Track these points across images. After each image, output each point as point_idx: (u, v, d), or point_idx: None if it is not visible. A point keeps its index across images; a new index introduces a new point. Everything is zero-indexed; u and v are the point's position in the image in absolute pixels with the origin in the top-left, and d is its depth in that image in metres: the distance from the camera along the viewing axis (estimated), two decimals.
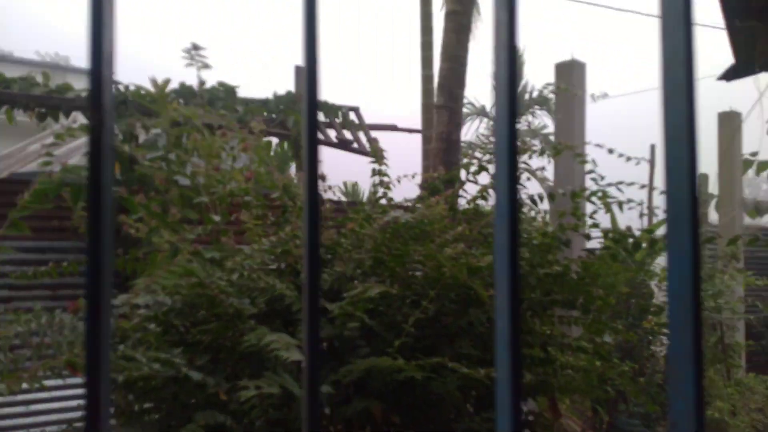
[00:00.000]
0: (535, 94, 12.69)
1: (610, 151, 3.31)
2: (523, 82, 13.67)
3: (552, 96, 4.67)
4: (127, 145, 3.60)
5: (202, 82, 3.77)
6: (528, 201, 3.20)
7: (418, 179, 3.52)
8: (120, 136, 4.17)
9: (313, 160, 0.50)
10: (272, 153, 5.15)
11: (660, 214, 3.74)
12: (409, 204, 2.94)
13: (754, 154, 4.18)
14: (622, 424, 4.06)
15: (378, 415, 1.87)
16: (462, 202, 3.00)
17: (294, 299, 2.01)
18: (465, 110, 12.76)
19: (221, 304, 1.94)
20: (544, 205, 3.25)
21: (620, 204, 2.66)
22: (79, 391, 2.75)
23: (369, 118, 5.95)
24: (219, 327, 1.95)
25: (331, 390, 1.72)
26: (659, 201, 3.98)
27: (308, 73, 0.49)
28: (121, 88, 4.63)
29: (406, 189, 3.28)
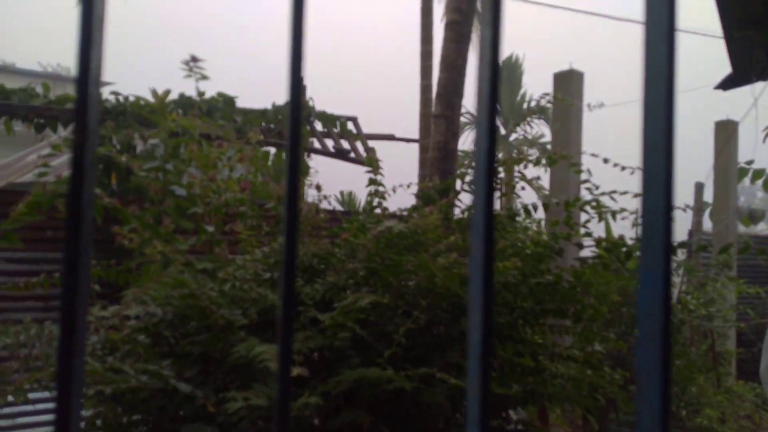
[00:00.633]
0: (533, 103, 12.73)
1: (605, 161, 3.32)
2: (521, 92, 13.72)
3: (550, 105, 4.68)
4: (123, 156, 3.62)
5: (200, 93, 3.80)
6: (522, 210, 3.21)
7: (414, 189, 3.53)
8: (117, 146, 4.19)
9: (295, 170, 0.51)
10: (269, 163, 5.17)
11: None
12: (404, 213, 2.94)
13: (750, 162, 4.19)
14: None
15: (366, 426, 1.86)
16: (457, 212, 3.01)
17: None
18: (463, 120, 12.80)
19: (212, 315, 1.94)
20: (540, 214, 3.26)
21: (613, 213, 2.67)
22: None
23: (367, 128, 5.98)
24: (209, 338, 1.94)
25: (320, 401, 1.72)
26: None
27: (292, 81, 0.50)
28: (120, 98, 4.66)
29: (401, 198, 3.29)
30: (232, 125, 4.96)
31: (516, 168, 3.27)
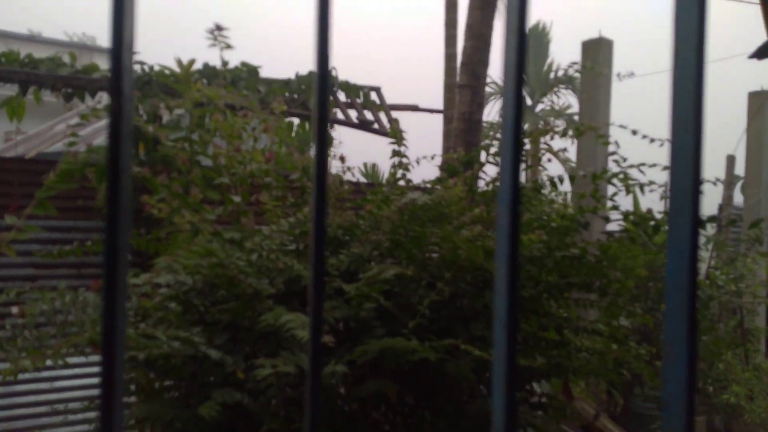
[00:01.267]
0: (560, 73, 12.46)
1: (634, 132, 3.25)
2: (548, 61, 13.42)
3: (577, 75, 4.58)
4: (150, 126, 3.65)
5: (225, 63, 3.79)
6: (548, 182, 3.18)
7: (438, 160, 3.51)
8: (144, 116, 4.23)
9: (323, 139, 0.51)
10: (293, 134, 5.17)
11: None
12: (428, 185, 2.93)
13: None
14: (637, 408, 4.04)
15: (392, 395, 1.89)
16: (481, 184, 2.98)
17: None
18: (488, 90, 12.61)
19: (240, 284, 1.98)
20: (565, 187, 3.22)
21: (641, 186, 2.63)
22: (99, 368, 2.83)
23: (390, 98, 5.93)
24: (238, 307, 1.98)
25: (345, 369, 1.75)
26: None
27: (319, 52, 0.49)
28: (146, 68, 4.68)
29: (425, 170, 3.27)
30: (255, 95, 4.96)
31: (542, 139, 3.22)
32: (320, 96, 0.49)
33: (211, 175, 2.90)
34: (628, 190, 2.64)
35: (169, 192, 2.52)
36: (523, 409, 2.20)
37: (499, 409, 0.42)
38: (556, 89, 12.61)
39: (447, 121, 6.07)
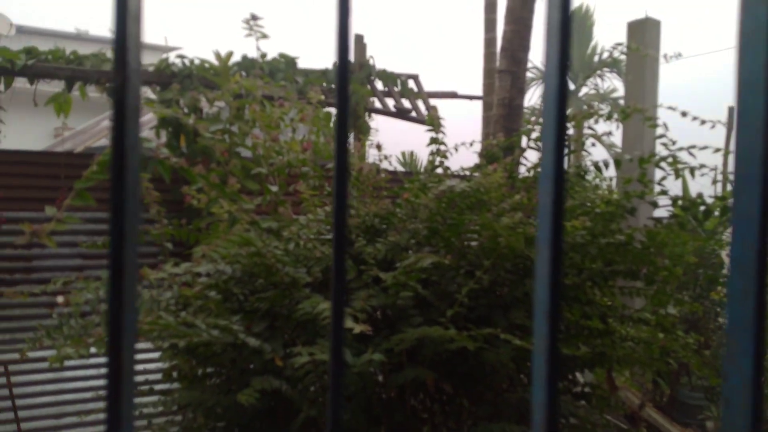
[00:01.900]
0: (605, 55, 12.10)
1: (684, 114, 3.11)
2: (591, 44, 13.05)
3: (623, 57, 4.42)
4: (190, 118, 3.71)
5: (263, 54, 3.81)
6: (592, 167, 3.07)
7: (477, 147, 3.44)
8: (185, 109, 4.30)
9: (344, 128, 0.48)
10: (331, 124, 5.17)
11: None
12: (466, 173, 2.88)
13: None
14: (684, 397, 3.91)
15: (430, 383, 1.87)
16: (522, 170, 2.91)
17: (348, 268, 2.03)
18: (529, 75, 12.35)
19: (277, 272, 1.99)
20: (610, 172, 3.12)
21: (692, 170, 2.51)
22: (143, 355, 2.90)
23: (429, 86, 5.86)
24: (276, 295, 1.99)
25: (383, 358, 1.74)
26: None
27: (340, 36, 0.47)
28: (186, 61, 4.75)
29: (464, 157, 3.21)
30: (293, 86, 4.98)
31: (586, 124, 3.12)
32: (341, 82, 0.46)
33: (249, 165, 2.92)
34: (678, 174, 2.53)
35: (206, 182, 2.55)
36: (565, 399, 2.15)
37: (539, 403, 0.39)
38: (600, 72, 12.25)
39: (486, 108, 5.97)
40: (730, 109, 4.49)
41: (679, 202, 2.44)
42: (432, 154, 2.95)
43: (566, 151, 0.42)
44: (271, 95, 3.50)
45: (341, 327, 0.46)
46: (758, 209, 0.34)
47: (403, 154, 9.22)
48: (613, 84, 13.19)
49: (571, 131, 3.12)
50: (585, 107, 3.67)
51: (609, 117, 3.06)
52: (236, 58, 4.89)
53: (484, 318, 2.00)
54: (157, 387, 2.31)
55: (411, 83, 5.64)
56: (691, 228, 2.29)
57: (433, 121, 2.95)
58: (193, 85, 4.54)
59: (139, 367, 3.11)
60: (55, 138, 11.94)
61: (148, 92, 5.02)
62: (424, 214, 2.27)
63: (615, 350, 2.00)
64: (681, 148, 2.60)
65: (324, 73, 5.38)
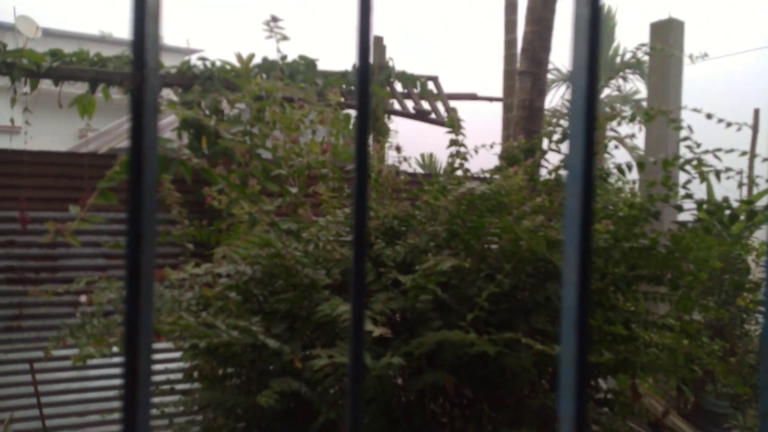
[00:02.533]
0: (627, 57, 11.95)
1: (709, 116, 3.05)
2: (614, 45, 12.89)
3: (646, 58, 4.35)
4: (211, 120, 3.74)
5: (283, 56, 3.82)
6: (615, 170, 3.03)
7: (497, 149, 3.42)
8: (206, 111, 4.34)
9: (364, 131, 0.47)
10: (351, 125, 5.18)
11: (762, 184, 3.43)
12: (487, 175, 2.86)
13: None
14: (709, 405, 3.83)
15: (450, 387, 1.86)
16: (543, 173, 2.88)
17: (367, 270, 2.02)
18: (550, 76, 12.24)
19: (297, 274, 1.99)
20: (633, 175, 3.07)
21: (717, 173, 2.46)
22: (165, 355, 2.93)
23: (448, 87, 5.84)
24: (295, 297, 1.99)
25: (402, 361, 1.73)
26: (761, 169, 3.64)
27: (360, 39, 0.46)
28: (208, 64, 4.79)
29: (484, 159, 3.19)
30: (313, 88, 5.00)
31: (608, 126, 3.08)
32: (361, 83, 0.45)
33: (270, 167, 2.93)
34: (703, 177, 2.48)
35: (227, 183, 2.57)
36: (588, 405, 2.12)
37: (567, 415, 0.38)
38: (622, 74, 12.10)
39: (507, 110, 5.93)
40: (756, 111, 4.40)
41: (704, 206, 2.40)
42: (452, 156, 2.93)
43: (595, 151, 0.40)
44: (291, 97, 3.51)
45: (361, 331, 0.45)
46: None
47: (422, 156, 9.20)
48: (636, 86, 13.03)
49: None
50: (607, 109, 3.62)
51: (632, 119, 3.02)
52: (257, 60, 4.92)
53: (504, 322, 1.98)
54: (179, 387, 2.33)
55: (430, 85, 5.63)
56: (716, 232, 2.25)
57: (452, 123, 2.93)
58: (215, 87, 4.58)
59: (161, 366, 3.14)
60: (80, 139, 12.15)
61: (170, 94, 5.08)
62: (443, 217, 2.26)
63: (639, 356, 1.97)
64: (706, 151, 2.55)
65: (344, 74, 5.39)
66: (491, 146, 3.17)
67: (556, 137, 2.90)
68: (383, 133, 5.25)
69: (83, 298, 1.80)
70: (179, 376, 2.32)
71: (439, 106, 5.59)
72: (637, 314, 2.15)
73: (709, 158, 2.49)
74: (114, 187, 1.75)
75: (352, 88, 5.44)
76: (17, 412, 3.31)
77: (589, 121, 0.37)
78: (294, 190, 2.68)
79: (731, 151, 2.55)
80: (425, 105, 5.54)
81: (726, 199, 2.40)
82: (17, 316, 3.31)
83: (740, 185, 2.64)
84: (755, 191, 4.31)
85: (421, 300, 1.91)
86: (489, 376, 1.99)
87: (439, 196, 2.36)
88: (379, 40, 5.48)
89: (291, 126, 2.89)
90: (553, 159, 2.88)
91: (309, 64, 5.35)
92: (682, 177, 2.54)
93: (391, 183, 2.61)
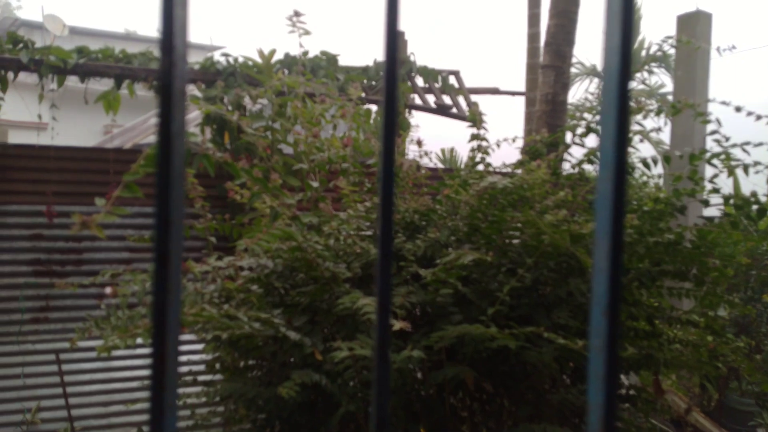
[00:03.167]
0: (653, 50, 11.75)
1: (738, 109, 2.99)
2: (639, 38, 12.69)
3: (672, 51, 4.27)
4: (234, 115, 3.77)
5: (304, 52, 3.83)
6: (640, 164, 2.99)
7: (520, 143, 3.39)
8: (229, 106, 4.38)
9: (391, 127, 0.47)
10: (372, 120, 5.17)
11: None
12: (508, 169, 2.84)
13: None
14: (734, 403, 3.76)
15: (470, 381, 1.85)
16: (566, 167, 2.85)
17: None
18: (573, 70, 12.09)
19: (318, 267, 2.00)
20: (658, 170, 3.02)
21: (745, 167, 2.41)
22: (188, 347, 2.97)
23: (470, 82, 5.80)
24: (316, 290, 2.00)
25: (423, 355, 1.72)
26: None
27: (388, 35, 0.46)
28: (231, 59, 4.82)
29: (506, 154, 3.16)
30: (334, 83, 5.00)
31: (633, 119, 3.03)
32: (389, 84, 0.45)
33: (291, 161, 2.95)
34: (731, 171, 2.43)
35: (249, 176, 2.59)
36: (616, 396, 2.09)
37: (596, 404, 0.37)
38: (648, 67, 11.90)
39: (529, 104, 5.88)
40: None
41: (732, 201, 2.35)
42: (473, 150, 2.92)
43: (628, 137, 0.40)
44: (313, 92, 3.52)
45: (387, 325, 0.45)
46: None
47: (443, 150, 9.16)
48: (662, 79, 12.81)
49: None
50: (633, 103, 3.57)
51: (659, 112, 2.96)
52: (279, 56, 4.95)
53: (525, 317, 1.97)
54: (201, 378, 2.36)
55: (452, 79, 5.60)
56: (743, 227, 2.20)
57: (474, 118, 2.91)
58: (237, 82, 4.61)
59: (184, 358, 3.19)
60: (105, 135, 12.35)
61: (193, 90, 5.13)
62: (464, 211, 2.25)
63: (662, 352, 1.94)
64: (734, 145, 2.50)
65: (364, 70, 5.38)
66: (513, 140, 3.14)
67: (579, 131, 2.86)
68: (404, 127, 5.24)
69: (108, 290, 1.83)
70: (201, 367, 2.36)
71: (461, 100, 5.56)
72: (661, 310, 2.11)
73: (737, 152, 2.44)
74: (139, 181, 1.78)
75: (373, 83, 5.44)
76: (44, 401, 3.39)
77: (622, 104, 0.36)
78: (315, 184, 2.69)
79: (760, 144, 2.49)
80: (446, 99, 5.51)
81: (754, 194, 2.35)
82: (44, 308, 3.38)
83: None
84: None
85: (441, 294, 1.90)
86: (509, 370, 1.98)
87: (461, 191, 2.35)
88: (400, 34, 5.46)
89: (312, 121, 2.90)
90: (576, 153, 2.85)
91: (330, 59, 5.36)
92: (709, 171, 2.49)
93: (412, 177, 2.61)
